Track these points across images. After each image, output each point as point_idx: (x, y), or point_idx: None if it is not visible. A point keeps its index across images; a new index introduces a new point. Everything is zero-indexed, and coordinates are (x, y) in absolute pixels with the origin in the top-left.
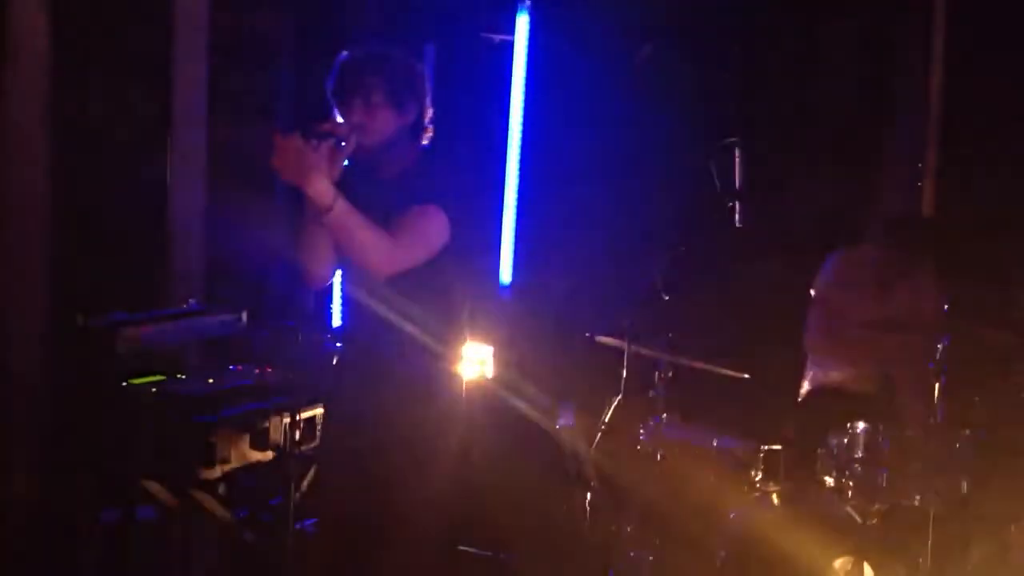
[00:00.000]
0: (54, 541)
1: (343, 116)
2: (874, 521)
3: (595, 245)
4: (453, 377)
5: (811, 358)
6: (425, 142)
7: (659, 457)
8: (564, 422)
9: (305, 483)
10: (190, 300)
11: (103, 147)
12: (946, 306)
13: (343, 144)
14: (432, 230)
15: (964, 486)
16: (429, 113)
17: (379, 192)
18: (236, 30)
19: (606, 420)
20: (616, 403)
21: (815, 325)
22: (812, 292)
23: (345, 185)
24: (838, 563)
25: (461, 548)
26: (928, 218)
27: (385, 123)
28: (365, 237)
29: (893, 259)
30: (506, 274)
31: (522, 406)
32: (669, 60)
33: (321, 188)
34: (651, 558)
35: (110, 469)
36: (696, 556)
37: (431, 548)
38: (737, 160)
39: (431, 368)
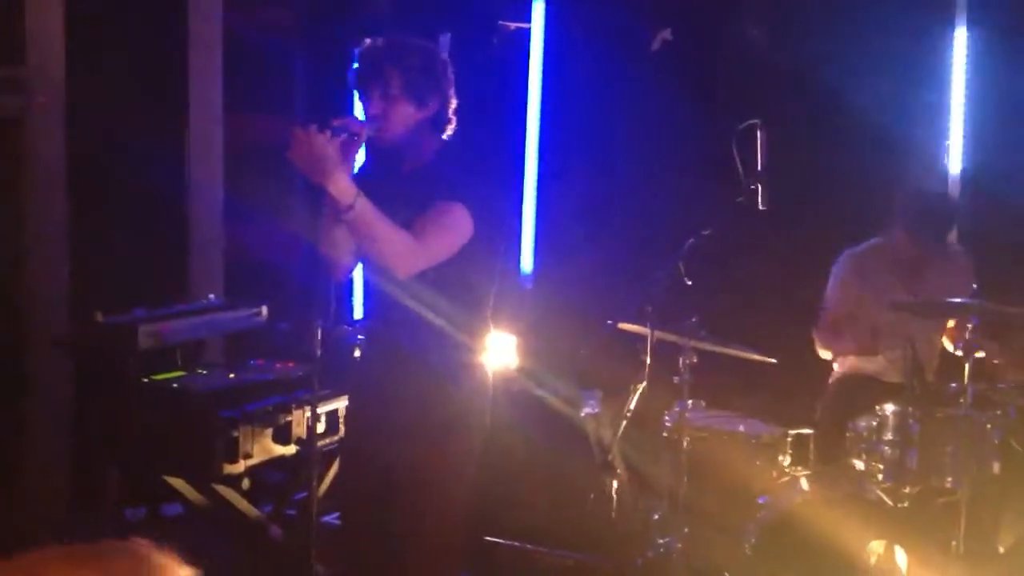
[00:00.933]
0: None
1: (363, 107)
2: (905, 504)
3: (616, 231)
4: (478, 369)
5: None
6: (448, 135)
7: (685, 443)
8: (589, 410)
9: (329, 477)
10: (210, 295)
11: (120, 145)
12: (975, 286)
13: (355, 139)
14: (454, 229)
15: (995, 467)
16: (453, 105)
17: (400, 186)
18: (250, 24)
19: (631, 407)
20: (641, 390)
21: (836, 333)
22: (831, 301)
23: (365, 179)
24: (870, 547)
25: (488, 538)
26: (952, 198)
27: (404, 115)
28: (386, 236)
29: (923, 244)
30: (527, 263)
31: (547, 395)
32: (688, 43)
33: (342, 185)
34: (680, 545)
35: (133, 466)
36: (725, 542)
37: (458, 539)
38: (759, 142)
39: (455, 360)
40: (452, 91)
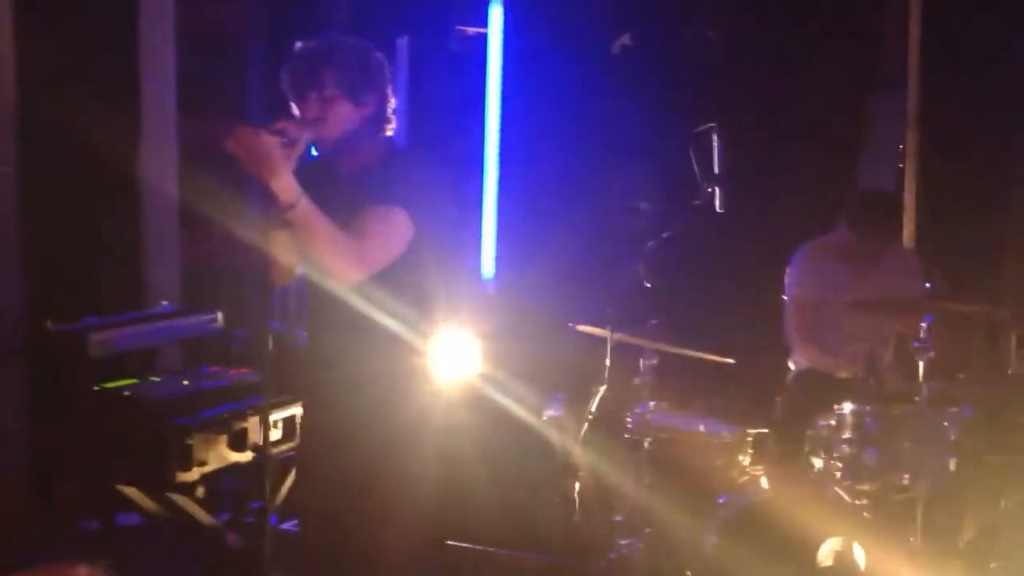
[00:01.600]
0: (37, 550)
1: (299, 111)
2: (864, 501)
3: (577, 235)
4: (427, 373)
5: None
6: (389, 133)
7: (647, 445)
8: (552, 413)
9: (287, 484)
10: (163, 302)
11: (73, 153)
12: (928, 284)
13: (295, 144)
14: (393, 232)
15: (952, 464)
16: (391, 104)
17: (341, 188)
18: (204, 27)
19: (593, 410)
20: (602, 393)
21: (800, 325)
22: (786, 296)
23: (306, 181)
24: (829, 544)
25: (450, 543)
26: (896, 196)
27: (342, 116)
28: (328, 239)
29: (866, 240)
30: (489, 267)
31: (509, 399)
32: (647, 48)
33: (285, 183)
34: (642, 546)
35: (87, 475)
36: (687, 542)
37: (417, 544)
38: (716, 145)
39: (403, 364)
40: (389, 89)
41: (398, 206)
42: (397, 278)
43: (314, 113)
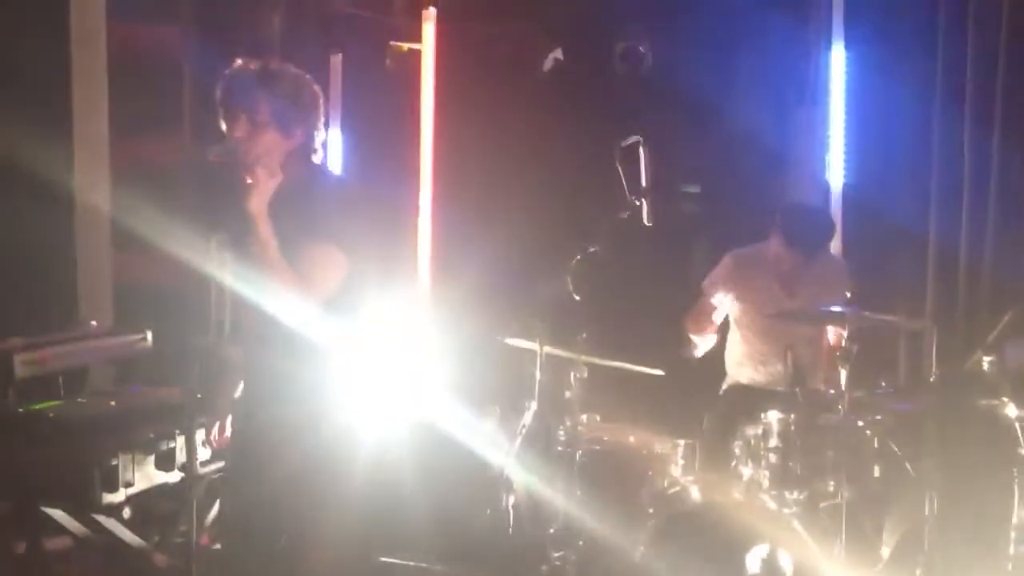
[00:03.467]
0: None
1: (227, 127)
2: (791, 509)
3: (509, 248)
4: (356, 386)
5: (731, 357)
6: (315, 161)
7: (578, 457)
8: (485, 427)
9: (216, 503)
10: (92, 322)
11: (5, 171)
12: (849, 294)
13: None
14: (332, 272)
15: (876, 470)
16: (321, 136)
17: (270, 212)
18: (137, 47)
19: (525, 423)
20: (533, 406)
21: (704, 316)
22: (708, 293)
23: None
24: (756, 551)
25: (383, 559)
26: (827, 212)
27: (268, 143)
28: (279, 270)
29: (793, 253)
30: (424, 281)
31: (443, 412)
32: (578, 63)
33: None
34: (575, 558)
35: (13, 497)
36: (619, 553)
37: (347, 560)
38: (642, 159)
39: (331, 376)
40: (321, 123)
41: (335, 243)
42: (329, 298)
43: (242, 134)
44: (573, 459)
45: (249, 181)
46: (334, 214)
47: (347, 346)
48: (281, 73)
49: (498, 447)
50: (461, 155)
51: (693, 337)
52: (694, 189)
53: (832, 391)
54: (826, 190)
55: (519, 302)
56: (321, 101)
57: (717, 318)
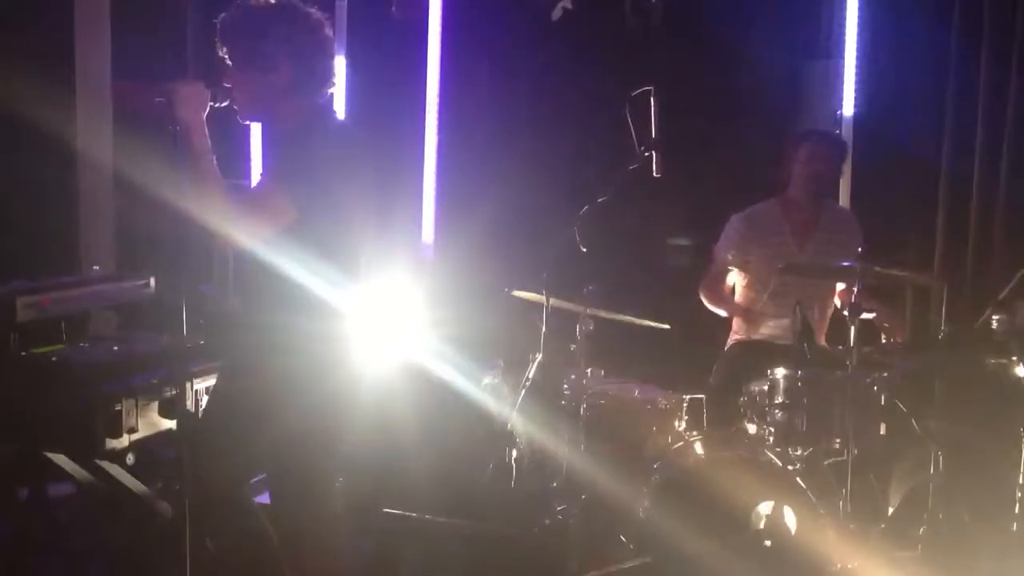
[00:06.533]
0: None
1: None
2: (795, 466)
3: (515, 199)
4: (352, 340)
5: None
6: (316, 98)
7: (582, 411)
8: (489, 380)
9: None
10: (94, 267)
11: (7, 116)
12: (860, 248)
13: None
14: (269, 209)
15: (882, 428)
16: (315, 68)
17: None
18: None
19: (530, 376)
20: (538, 359)
21: (718, 283)
22: (720, 258)
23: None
24: (760, 508)
25: (387, 510)
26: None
27: (253, 85)
28: (214, 192)
29: (804, 207)
30: (428, 234)
31: (447, 365)
32: (587, 12)
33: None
34: (577, 512)
35: (15, 442)
36: (622, 508)
37: (353, 512)
38: (652, 109)
39: (331, 328)
40: (311, 52)
41: (283, 184)
42: (309, 245)
43: (228, 80)
44: (577, 413)
45: (246, 123)
46: (316, 158)
47: (341, 297)
48: (250, 9)
49: (502, 400)
50: (468, 104)
51: (710, 307)
52: (684, 242)
53: (840, 347)
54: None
55: (525, 253)
56: (316, 29)
57: (731, 280)
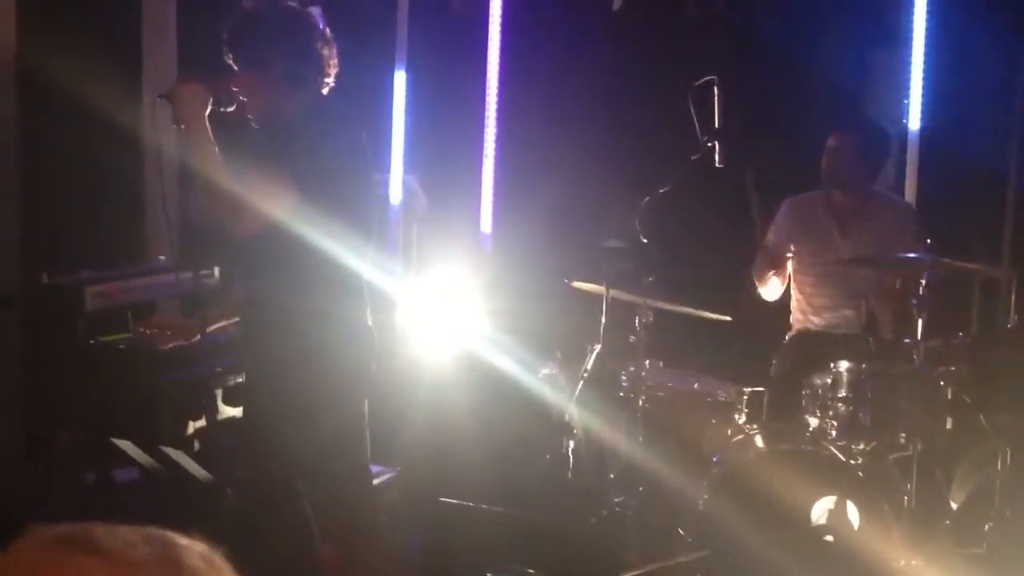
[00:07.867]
0: (34, 505)
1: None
2: (858, 460)
3: (574, 190)
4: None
5: (795, 304)
6: (317, 91)
7: (641, 403)
8: (547, 371)
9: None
10: (160, 256)
11: (75, 105)
12: (928, 240)
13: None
14: (272, 197)
15: (948, 422)
16: (312, 62)
17: (254, 141)
18: None
19: (588, 367)
20: (597, 350)
21: (766, 265)
22: (769, 241)
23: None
24: (822, 503)
25: (443, 499)
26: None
27: (255, 87)
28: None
29: (847, 197)
30: (486, 224)
31: (505, 356)
32: (647, 1)
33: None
34: (635, 503)
35: (82, 428)
36: (680, 500)
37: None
38: (715, 99)
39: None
40: (303, 45)
41: (280, 170)
42: (330, 222)
43: (236, 86)
44: (636, 405)
45: (255, 126)
46: (298, 147)
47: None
48: (248, 14)
49: (559, 391)
50: (527, 94)
51: (760, 289)
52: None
53: (907, 340)
54: (904, 132)
55: (584, 244)
56: (312, 26)
57: (780, 265)
